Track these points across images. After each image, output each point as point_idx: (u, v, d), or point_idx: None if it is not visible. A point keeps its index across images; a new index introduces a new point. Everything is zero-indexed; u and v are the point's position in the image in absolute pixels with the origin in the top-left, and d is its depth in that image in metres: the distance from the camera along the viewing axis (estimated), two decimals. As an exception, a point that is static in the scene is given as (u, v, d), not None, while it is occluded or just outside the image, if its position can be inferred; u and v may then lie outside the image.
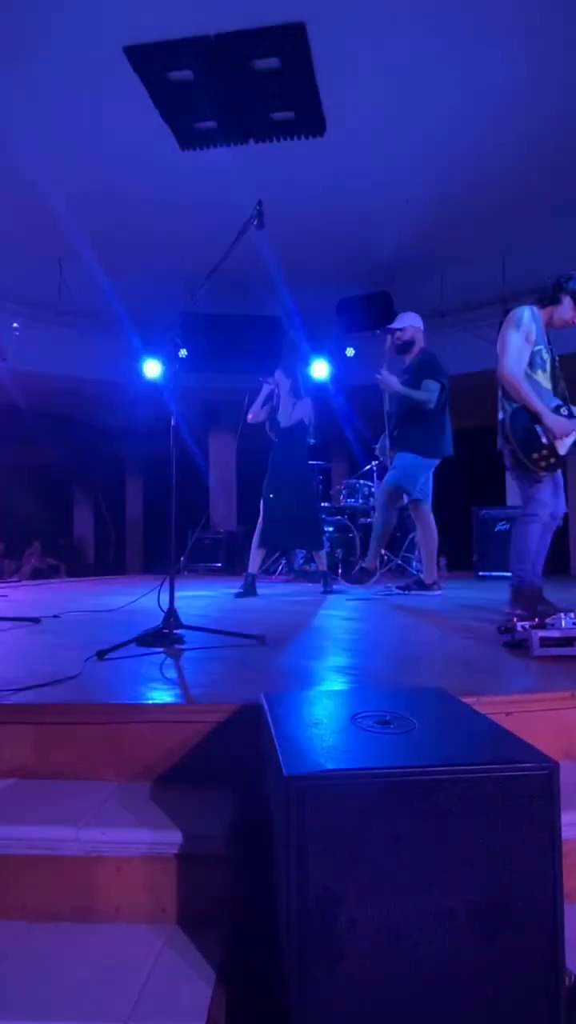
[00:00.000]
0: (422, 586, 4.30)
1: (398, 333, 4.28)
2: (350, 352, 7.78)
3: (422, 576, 4.39)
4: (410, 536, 6.33)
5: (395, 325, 4.35)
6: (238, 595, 4.31)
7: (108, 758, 1.39)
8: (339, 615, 3.47)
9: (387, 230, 6.24)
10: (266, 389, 4.50)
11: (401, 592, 4.34)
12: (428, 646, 2.34)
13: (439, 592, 4.24)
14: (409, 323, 4.33)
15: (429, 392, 4.08)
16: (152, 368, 7.40)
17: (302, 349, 7.60)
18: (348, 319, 7.21)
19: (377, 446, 4.75)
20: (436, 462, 4.16)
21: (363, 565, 4.50)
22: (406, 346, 4.29)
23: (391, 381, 4.16)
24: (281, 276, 6.83)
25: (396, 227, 6.19)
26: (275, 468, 4.48)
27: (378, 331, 4.46)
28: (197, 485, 9.11)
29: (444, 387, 4.13)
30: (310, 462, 4.88)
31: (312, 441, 4.60)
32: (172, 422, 2.37)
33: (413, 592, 4.29)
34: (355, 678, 1.73)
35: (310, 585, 5.60)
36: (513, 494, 7.62)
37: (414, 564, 6.22)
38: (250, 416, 4.49)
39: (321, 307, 7.29)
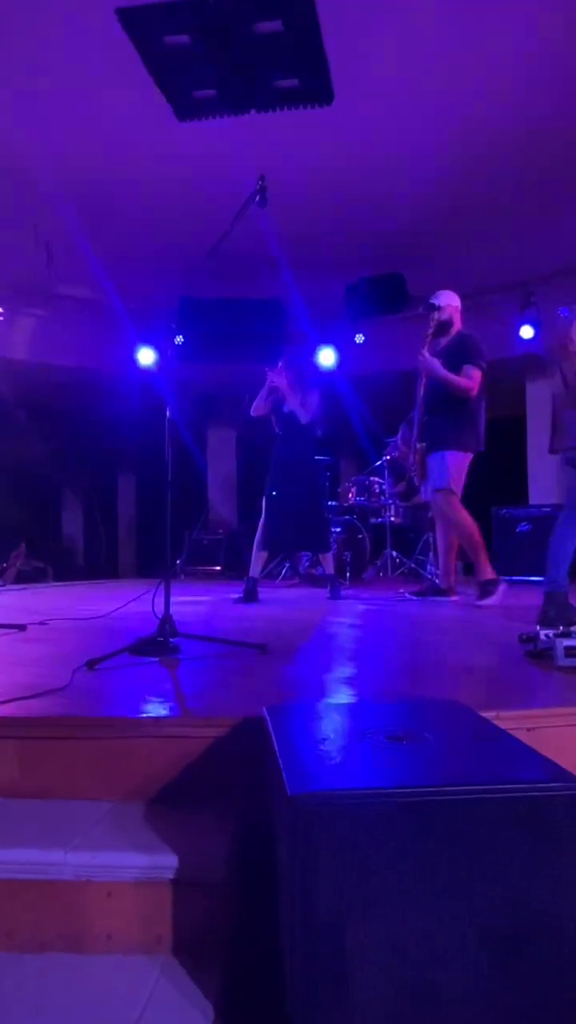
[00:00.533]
0: (437, 591, 4.29)
1: (436, 312, 4.19)
2: (359, 339, 7.78)
3: (437, 580, 4.39)
4: (424, 537, 6.33)
5: (434, 301, 4.27)
6: (238, 601, 4.32)
7: (99, 776, 1.39)
8: (347, 622, 3.47)
9: (400, 207, 6.22)
10: (270, 379, 4.49)
11: (415, 598, 4.33)
12: (443, 656, 2.34)
13: (456, 598, 4.24)
14: (448, 301, 4.26)
15: (471, 379, 3.97)
16: (146, 357, 7.42)
17: (308, 336, 7.60)
18: (357, 303, 7.20)
19: (398, 436, 4.67)
20: (471, 455, 4.07)
21: (438, 584, 4.37)
22: (443, 327, 4.20)
23: (434, 364, 4.04)
24: (285, 257, 6.83)
25: (410, 204, 6.17)
26: (278, 463, 4.47)
27: (421, 308, 4.32)
28: (195, 482, 9.12)
29: (484, 374, 4.03)
30: (316, 457, 4.88)
31: (319, 434, 4.60)
32: (168, 414, 2.37)
33: (428, 597, 4.28)
34: (364, 690, 1.73)
35: (316, 590, 5.60)
36: (537, 492, 7.59)
37: (428, 568, 6.21)
38: (253, 409, 4.48)
39: (328, 290, 7.28)
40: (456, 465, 4.00)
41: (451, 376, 3.99)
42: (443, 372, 4.00)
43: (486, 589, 3.90)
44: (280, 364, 4.55)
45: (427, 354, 4.09)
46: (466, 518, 3.98)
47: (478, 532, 3.98)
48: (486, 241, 6.85)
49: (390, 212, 6.32)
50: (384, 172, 5.87)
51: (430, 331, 4.23)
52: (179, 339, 2.47)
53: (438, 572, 4.63)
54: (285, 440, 4.49)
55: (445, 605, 4.10)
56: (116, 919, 1.18)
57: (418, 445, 4.21)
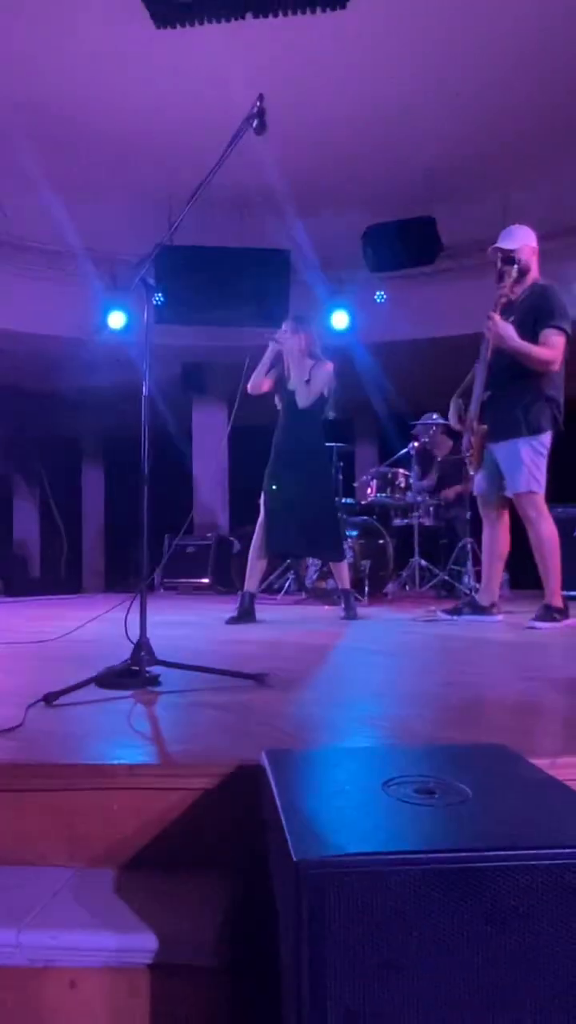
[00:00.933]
0: (476, 609, 4.29)
1: (514, 264, 3.96)
2: (380, 297, 7.79)
3: (477, 596, 4.38)
4: (461, 543, 6.33)
5: (506, 244, 4.03)
6: (232, 621, 4.33)
7: (59, 836, 1.39)
8: (366, 648, 3.47)
9: (431, 135, 6.23)
10: (272, 348, 4.48)
11: (450, 618, 4.34)
12: (485, 689, 2.34)
13: (500, 617, 4.24)
14: (524, 241, 4.03)
15: (554, 347, 3.82)
16: (117, 320, 7.43)
17: (317, 293, 7.61)
18: (378, 253, 7.21)
19: (450, 414, 4.44)
20: (550, 435, 3.97)
21: (477, 601, 4.33)
22: (520, 275, 3.99)
23: (507, 333, 3.84)
24: (289, 197, 6.84)
25: (442, 131, 6.18)
26: (281, 451, 4.48)
27: (488, 251, 4.07)
28: (177, 474, 9.13)
29: (569, 338, 3.89)
30: (327, 444, 4.87)
31: (331, 416, 4.59)
32: (144, 391, 2.38)
33: (465, 616, 4.29)
34: (388, 732, 1.73)
35: (327, 608, 5.61)
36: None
37: (466, 580, 6.22)
38: (251, 385, 4.46)
39: (342, 237, 7.29)
40: (534, 457, 3.92)
41: (530, 349, 3.83)
42: (520, 344, 3.83)
43: (550, 614, 3.90)
44: (285, 328, 4.52)
45: (498, 319, 3.88)
46: (551, 530, 3.93)
47: (558, 549, 3.94)
48: (536, 176, 6.85)
49: (419, 141, 6.33)
50: (411, 91, 5.88)
51: (505, 288, 4.00)
52: (158, 297, 2.46)
53: (478, 585, 4.63)
54: (289, 423, 4.49)
55: (487, 626, 4.10)
56: (81, 1015, 1.18)
57: (476, 425, 4.08)
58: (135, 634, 2.27)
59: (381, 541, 6.54)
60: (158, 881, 1.33)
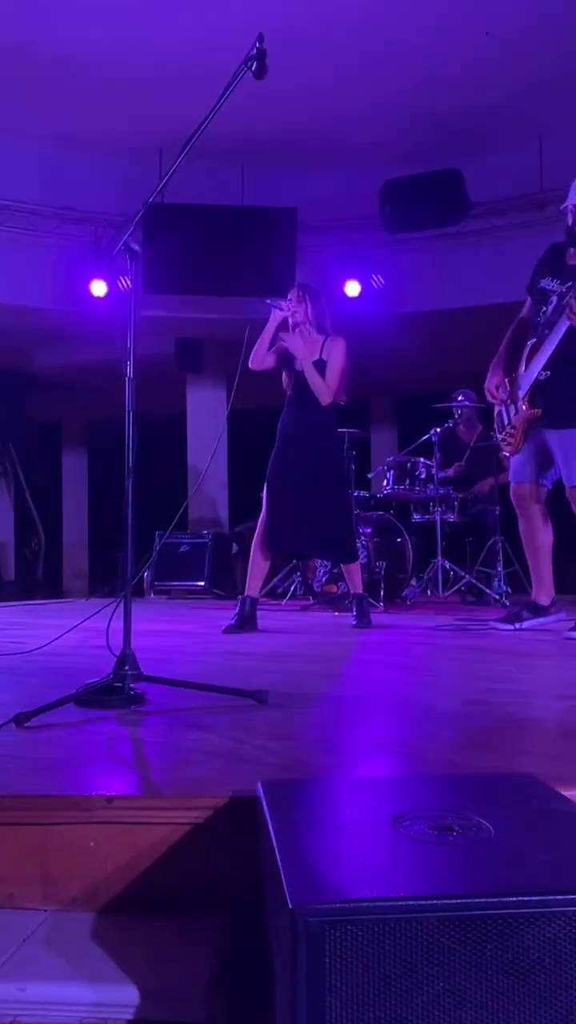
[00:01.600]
0: (538, 610, 4.26)
1: None
2: (398, 261, 7.77)
3: (534, 596, 4.32)
4: (491, 541, 6.33)
5: None
6: (229, 630, 4.33)
7: (30, 875, 1.40)
8: (380, 661, 3.47)
9: (457, 76, 6.20)
10: (276, 318, 4.45)
11: (511, 627, 4.27)
12: (514, 709, 2.34)
13: (563, 615, 4.19)
14: None
15: None
16: (99, 289, 7.43)
17: (328, 258, 7.59)
18: (397, 211, 7.19)
19: (487, 383, 4.36)
20: None
21: (537, 602, 4.30)
22: None
23: None
24: (295, 149, 6.82)
25: (470, 73, 6.15)
26: (287, 437, 4.48)
27: (563, 206, 3.98)
28: (169, 464, 9.14)
29: None
30: (339, 430, 4.85)
31: (343, 400, 4.57)
32: (128, 371, 2.38)
33: (528, 622, 4.23)
34: (401, 759, 1.73)
35: (337, 615, 5.61)
36: None
37: (495, 583, 6.21)
38: (252, 359, 4.43)
39: (356, 195, 7.27)
40: None
41: None
42: None
43: (542, 609, 3.97)
44: (291, 296, 4.50)
45: None
46: None
47: None
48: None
49: (443, 83, 6.30)
50: (436, 27, 5.85)
51: None
52: (136, 252, 2.46)
53: (509, 589, 4.61)
54: (297, 406, 4.49)
55: (519, 637, 4.09)
56: (53, 1075, 1.19)
57: (523, 407, 4.05)
58: (118, 645, 2.27)
59: (399, 539, 6.53)
60: (141, 927, 1.33)
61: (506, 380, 4.19)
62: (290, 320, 4.46)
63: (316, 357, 4.41)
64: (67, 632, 3.22)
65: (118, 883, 1.38)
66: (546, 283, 4.04)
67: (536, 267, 4.17)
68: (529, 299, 4.20)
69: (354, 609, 4.67)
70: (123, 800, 1.44)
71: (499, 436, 4.28)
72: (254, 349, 4.43)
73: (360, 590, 4.68)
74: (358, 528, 6.06)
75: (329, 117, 6.63)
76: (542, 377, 3.98)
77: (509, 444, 4.17)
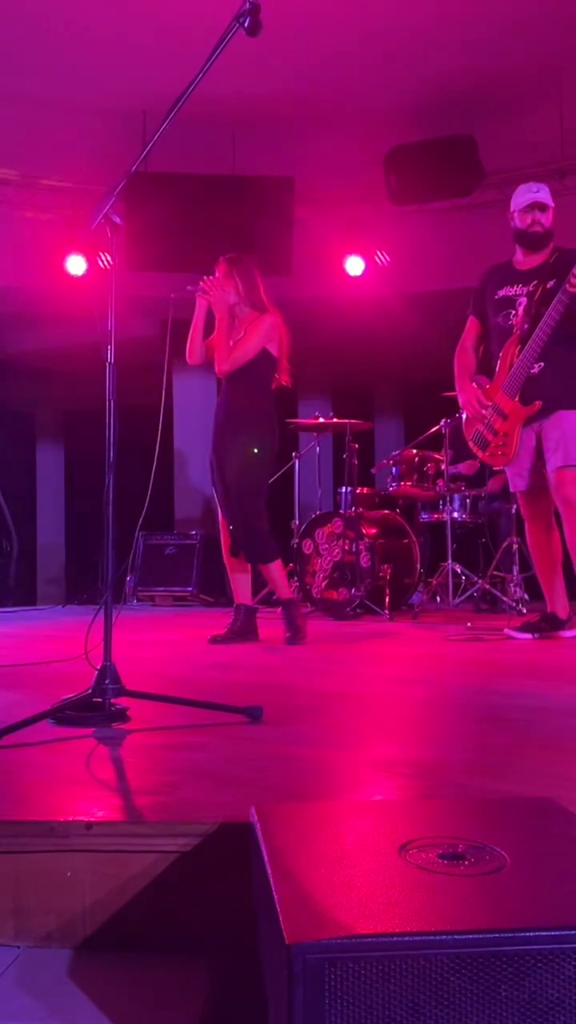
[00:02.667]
0: (554, 624, 4.30)
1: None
2: (405, 235, 7.76)
3: (553, 610, 4.35)
4: (504, 545, 6.33)
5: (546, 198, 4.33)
6: (218, 640, 4.31)
7: (2, 908, 1.40)
8: (384, 674, 3.47)
9: (469, 33, 6.19)
10: (202, 302, 4.40)
11: (526, 635, 4.29)
12: (530, 727, 2.35)
13: None
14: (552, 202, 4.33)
15: None
16: (77, 266, 7.42)
17: (327, 232, 7.59)
18: (403, 181, 7.18)
19: (461, 397, 4.52)
20: None
21: (549, 611, 4.38)
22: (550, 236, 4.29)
23: None
24: (292, 112, 6.82)
25: (484, 29, 6.14)
26: (214, 429, 4.50)
27: (510, 212, 4.40)
28: (153, 458, 9.12)
29: None
30: (264, 417, 4.48)
31: (285, 382, 4.47)
32: (108, 356, 2.38)
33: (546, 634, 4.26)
34: (408, 781, 1.73)
35: (340, 623, 5.62)
36: None
37: (512, 590, 6.22)
38: (188, 354, 4.44)
39: (359, 163, 7.27)
40: None
41: None
42: None
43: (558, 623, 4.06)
44: (218, 274, 4.42)
45: None
46: None
47: None
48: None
49: (454, 39, 6.29)
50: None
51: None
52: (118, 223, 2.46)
53: (527, 596, 4.62)
54: (223, 393, 4.47)
55: (535, 648, 4.11)
56: None
57: (519, 405, 4.21)
58: (98, 657, 2.27)
59: (405, 541, 6.54)
60: (122, 965, 1.33)
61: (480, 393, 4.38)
62: (211, 300, 4.35)
63: (240, 336, 4.34)
64: (42, 642, 3.22)
65: (98, 917, 1.38)
66: (505, 291, 4.33)
67: (480, 289, 4.51)
68: (473, 319, 4.54)
69: (284, 618, 4.43)
70: (103, 826, 1.44)
71: (484, 454, 4.40)
72: (188, 342, 4.41)
73: (286, 595, 4.51)
74: (357, 528, 6.07)
75: (329, 79, 6.62)
76: (535, 371, 4.16)
77: (502, 455, 4.29)
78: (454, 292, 7.88)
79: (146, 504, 3.11)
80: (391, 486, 6.68)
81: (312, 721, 2.45)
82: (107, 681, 2.24)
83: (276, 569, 4.43)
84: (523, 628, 4.39)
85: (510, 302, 4.27)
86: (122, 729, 2.21)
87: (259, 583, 5.25)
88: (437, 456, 6.57)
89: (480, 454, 4.43)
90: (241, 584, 4.50)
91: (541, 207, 4.27)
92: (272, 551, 4.42)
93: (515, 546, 6.23)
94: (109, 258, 2.54)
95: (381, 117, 7.04)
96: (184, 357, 4.48)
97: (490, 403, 4.28)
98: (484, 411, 4.31)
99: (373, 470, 7.34)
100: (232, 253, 4.54)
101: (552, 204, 4.31)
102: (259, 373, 4.37)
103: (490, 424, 4.28)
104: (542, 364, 4.14)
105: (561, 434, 4.09)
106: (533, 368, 4.15)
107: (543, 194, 4.30)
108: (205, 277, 4.35)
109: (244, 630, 4.39)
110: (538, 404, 4.12)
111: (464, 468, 6.77)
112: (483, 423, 4.32)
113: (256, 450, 4.33)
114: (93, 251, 7.20)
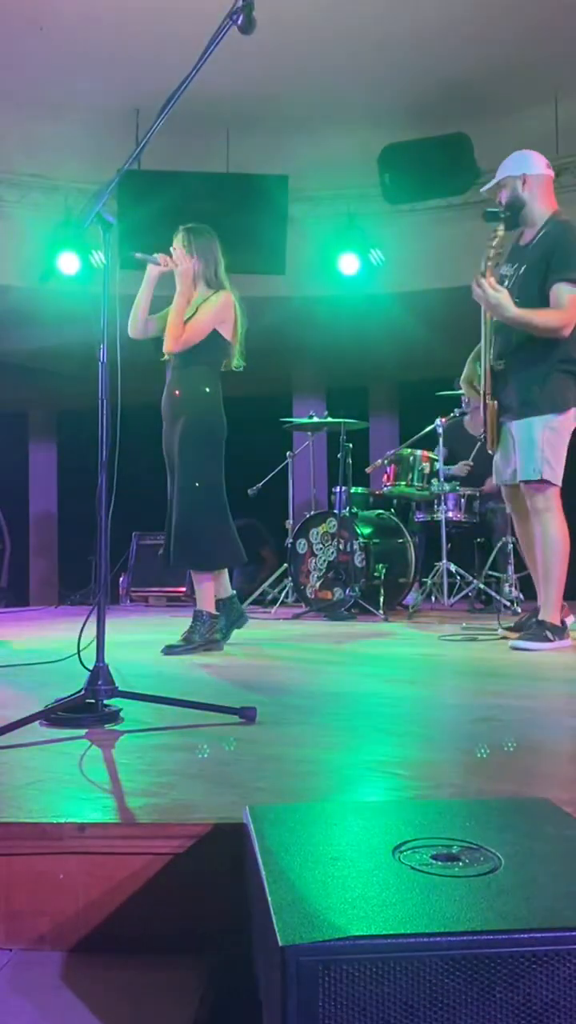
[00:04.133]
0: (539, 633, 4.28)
1: (499, 223, 4.16)
2: (399, 233, 7.77)
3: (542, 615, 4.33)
4: (501, 542, 6.34)
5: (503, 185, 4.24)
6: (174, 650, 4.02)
7: (-7, 911, 1.40)
8: (379, 674, 3.47)
9: (464, 30, 6.19)
10: (152, 273, 4.07)
11: (520, 637, 4.27)
12: (526, 727, 2.35)
13: (567, 643, 4.18)
14: (518, 169, 4.20)
15: (565, 307, 3.90)
16: (70, 264, 7.41)
17: (321, 230, 7.60)
18: (397, 180, 7.19)
19: (462, 379, 4.55)
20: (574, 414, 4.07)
21: (540, 619, 4.26)
22: (516, 214, 4.15)
23: (497, 299, 3.93)
24: (286, 110, 6.82)
25: (478, 25, 6.15)
26: (163, 418, 4.20)
27: (493, 183, 4.27)
28: (149, 456, 9.11)
29: None
30: (208, 402, 4.13)
31: (238, 366, 4.19)
32: (102, 355, 2.37)
33: (526, 643, 4.21)
34: (402, 781, 1.73)
35: (335, 623, 5.62)
36: None
37: (505, 589, 6.22)
38: (130, 328, 4.06)
39: (353, 161, 7.27)
40: (553, 439, 4.00)
41: (531, 317, 3.92)
42: (518, 315, 3.93)
43: (542, 631, 3.99)
44: (176, 244, 4.12)
45: (487, 282, 3.96)
46: (563, 530, 4.01)
47: (565, 556, 4.02)
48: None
49: (449, 41, 6.30)
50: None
51: (492, 244, 4.11)
52: (112, 225, 2.46)
53: (522, 596, 4.62)
54: (170, 379, 4.16)
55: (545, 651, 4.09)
56: None
57: (488, 401, 4.20)
58: (91, 658, 2.26)
59: (400, 540, 6.54)
60: (115, 968, 1.33)
61: (477, 371, 4.35)
62: (172, 270, 4.05)
63: (191, 313, 4.07)
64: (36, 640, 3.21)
65: (90, 920, 1.38)
66: (504, 269, 4.22)
67: None
68: None
69: (222, 618, 4.15)
70: (96, 828, 1.43)
71: (482, 432, 4.39)
72: (131, 314, 4.07)
73: (207, 608, 4.08)
74: (352, 528, 6.07)
75: (323, 76, 6.62)
76: (498, 368, 4.15)
77: (488, 441, 4.29)
78: (449, 291, 7.88)
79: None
80: (385, 485, 6.68)
81: (306, 721, 2.45)
82: (100, 682, 2.24)
83: (200, 579, 4.11)
84: (526, 637, 4.29)
85: (503, 284, 4.14)
86: (115, 730, 2.21)
87: (256, 585, 5.22)
88: (431, 456, 6.58)
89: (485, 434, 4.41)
90: (213, 579, 4.12)
91: (499, 185, 4.23)
92: (214, 558, 4.12)
93: (510, 546, 6.24)
94: (102, 256, 2.53)
95: (376, 115, 7.05)
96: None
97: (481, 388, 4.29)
98: (470, 394, 4.41)
99: (367, 469, 7.33)
100: (192, 224, 4.22)
101: (508, 174, 4.19)
102: (207, 355, 4.08)
103: (484, 408, 4.29)
104: (502, 363, 4.14)
105: (519, 444, 4.07)
106: (497, 365, 4.15)
107: (499, 171, 4.25)
108: (172, 249, 4.07)
109: (233, 615, 4.16)
110: (495, 404, 4.16)
111: (457, 471, 6.78)
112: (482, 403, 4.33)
113: (201, 436, 4.06)
114: (86, 250, 7.19)
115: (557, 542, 4.00)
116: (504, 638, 4.36)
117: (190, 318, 4.03)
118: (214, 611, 4.06)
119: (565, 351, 3.98)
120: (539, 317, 3.92)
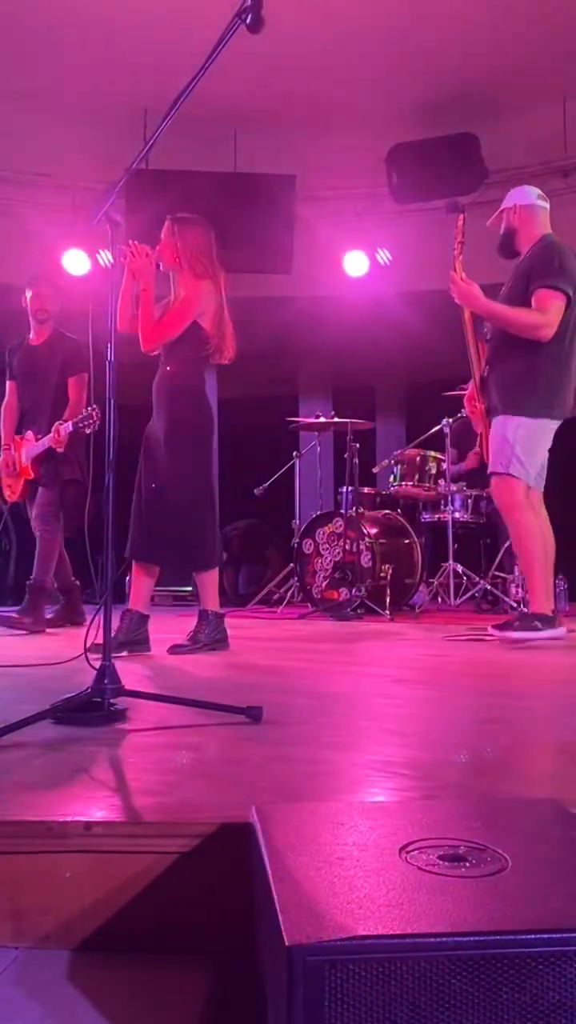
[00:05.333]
0: (527, 623, 4.28)
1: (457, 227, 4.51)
2: (407, 233, 7.76)
3: (527, 608, 4.37)
4: (506, 545, 6.33)
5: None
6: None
7: (0, 910, 1.40)
8: (386, 674, 3.47)
9: (471, 31, 6.19)
10: (130, 265, 3.87)
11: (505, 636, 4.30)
12: (534, 727, 2.34)
13: (560, 632, 4.21)
14: (515, 201, 4.46)
15: (542, 309, 4.05)
16: (77, 264, 7.42)
17: (328, 230, 7.59)
18: (405, 180, 7.19)
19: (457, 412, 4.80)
20: (556, 424, 4.18)
21: (526, 611, 4.40)
22: (508, 240, 4.43)
23: (469, 293, 4.18)
24: (294, 110, 6.82)
25: (486, 26, 6.14)
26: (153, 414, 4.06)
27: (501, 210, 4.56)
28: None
29: (571, 301, 4.09)
30: (191, 398, 4.03)
31: (224, 360, 4.06)
32: (109, 355, 2.38)
33: (516, 632, 4.25)
34: (409, 782, 1.73)
35: (341, 623, 5.61)
36: None
37: (512, 589, 6.22)
38: (119, 322, 3.50)
39: (360, 161, 7.27)
40: (526, 440, 4.11)
41: (504, 311, 4.13)
42: (484, 302, 4.17)
43: (529, 621, 4.07)
44: (163, 234, 4.02)
45: (459, 277, 4.25)
46: (528, 526, 4.11)
47: (541, 548, 4.11)
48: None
49: (456, 41, 6.30)
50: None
51: (457, 237, 4.47)
52: (119, 224, 2.47)
53: (528, 595, 4.61)
54: (158, 373, 4.04)
55: (541, 647, 4.09)
56: None
57: (479, 405, 4.41)
58: (97, 657, 2.27)
59: (407, 541, 6.53)
60: (121, 967, 1.33)
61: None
62: (160, 266, 3.93)
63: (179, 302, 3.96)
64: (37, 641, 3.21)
65: (96, 918, 1.38)
66: (504, 290, 4.43)
67: None
68: None
69: (208, 625, 4.06)
70: (102, 827, 1.43)
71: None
72: (118, 308, 3.89)
73: (211, 607, 4.07)
74: (358, 528, 6.06)
75: (331, 76, 6.62)
76: (485, 374, 4.38)
77: (484, 445, 4.49)
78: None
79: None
80: (392, 486, 6.68)
81: (312, 721, 2.45)
82: (106, 681, 2.24)
83: (212, 578, 4.09)
84: (501, 627, 4.28)
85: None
86: (121, 729, 2.21)
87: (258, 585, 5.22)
88: (439, 456, 6.58)
89: None
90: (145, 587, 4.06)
91: (499, 218, 4.51)
92: (216, 556, 4.10)
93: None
94: (110, 256, 2.54)
95: (383, 115, 7.05)
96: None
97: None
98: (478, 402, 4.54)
99: (374, 470, 7.33)
100: (183, 213, 4.07)
101: (504, 207, 4.48)
102: (188, 349, 3.93)
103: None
104: (489, 368, 4.34)
105: (492, 438, 4.26)
106: (484, 371, 4.38)
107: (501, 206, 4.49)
108: (131, 241, 3.82)
109: (136, 639, 3.84)
110: (483, 408, 4.38)
111: (468, 463, 6.77)
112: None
113: (186, 434, 3.94)
114: (94, 249, 7.20)
115: (525, 537, 4.13)
116: (486, 637, 4.38)
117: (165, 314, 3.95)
118: (220, 610, 4.06)
119: (543, 361, 4.11)
120: (513, 313, 4.12)
